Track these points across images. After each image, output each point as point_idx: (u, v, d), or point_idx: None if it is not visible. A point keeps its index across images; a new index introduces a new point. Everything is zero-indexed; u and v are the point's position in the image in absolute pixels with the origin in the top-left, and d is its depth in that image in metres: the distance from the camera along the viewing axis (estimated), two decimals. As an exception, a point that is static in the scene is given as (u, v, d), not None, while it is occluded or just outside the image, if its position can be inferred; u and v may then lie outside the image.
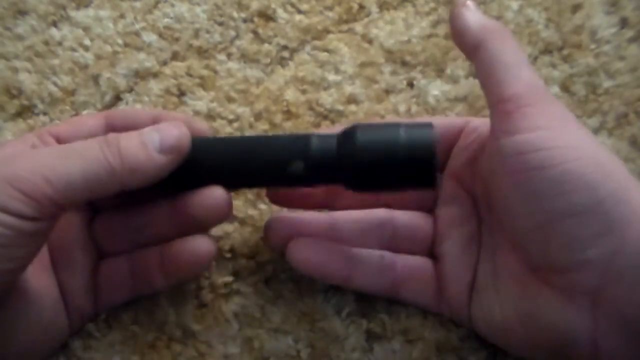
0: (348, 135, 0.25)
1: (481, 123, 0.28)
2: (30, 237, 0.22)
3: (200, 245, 0.26)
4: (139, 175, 0.24)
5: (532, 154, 0.23)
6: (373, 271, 0.27)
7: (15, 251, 0.22)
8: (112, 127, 0.28)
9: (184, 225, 0.27)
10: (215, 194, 0.26)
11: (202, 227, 0.27)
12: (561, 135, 0.23)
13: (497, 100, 0.24)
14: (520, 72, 0.24)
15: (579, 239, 0.22)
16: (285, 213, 0.30)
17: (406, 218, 0.29)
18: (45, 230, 0.23)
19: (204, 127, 0.28)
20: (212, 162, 0.26)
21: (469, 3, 0.26)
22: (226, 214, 0.26)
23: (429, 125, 0.25)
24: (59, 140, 0.27)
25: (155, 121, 0.27)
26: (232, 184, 0.27)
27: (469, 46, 0.26)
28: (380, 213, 0.29)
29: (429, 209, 0.29)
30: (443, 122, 0.28)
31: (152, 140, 0.24)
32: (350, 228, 0.28)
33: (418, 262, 0.28)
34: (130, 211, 0.28)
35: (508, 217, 0.25)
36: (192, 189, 0.26)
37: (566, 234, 0.22)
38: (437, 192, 0.29)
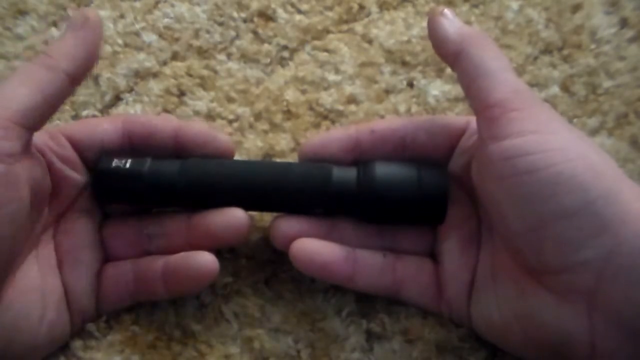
0: (366, 172, 0.27)
1: None
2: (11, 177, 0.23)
3: (204, 262, 0.26)
4: (76, 58, 0.25)
5: (521, 158, 0.23)
6: (374, 272, 0.27)
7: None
8: (130, 133, 0.28)
9: (197, 241, 0.27)
10: (236, 214, 0.27)
11: (215, 244, 0.27)
12: (549, 138, 0.23)
13: (482, 107, 0.24)
14: (504, 77, 0.24)
15: (572, 240, 0.22)
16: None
17: None
18: (22, 171, 0.23)
19: (225, 139, 0.28)
20: (232, 185, 0.27)
21: (446, 11, 0.26)
22: (243, 236, 0.27)
23: (444, 168, 0.27)
24: (72, 141, 0.27)
25: (176, 133, 0.28)
26: (248, 207, 0.27)
27: (450, 55, 0.26)
28: None
29: None
30: (445, 122, 0.28)
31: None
32: (352, 229, 0.28)
33: (418, 263, 0.28)
34: (146, 219, 0.28)
35: (501, 222, 0.25)
36: (209, 207, 0.27)
37: (559, 236, 0.22)
38: None
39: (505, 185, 0.23)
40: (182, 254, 0.27)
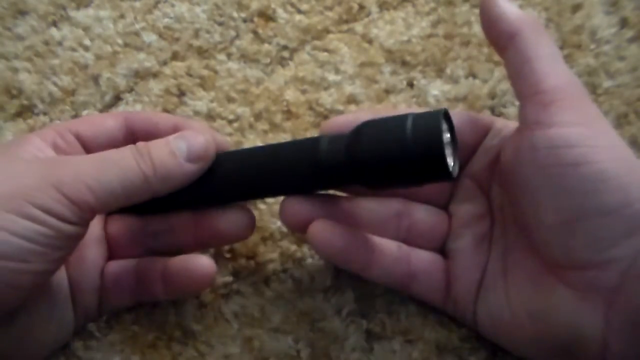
0: (355, 135, 0.25)
1: (504, 126, 0.28)
2: (68, 240, 0.23)
3: (200, 265, 0.26)
4: (170, 183, 0.25)
5: (568, 149, 0.23)
6: (390, 261, 0.27)
7: (54, 253, 0.23)
8: (132, 130, 0.28)
9: (205, 238, 0.27)
10: (243, 212, 0.27)
11: (222, 242, 0.27)
12: (597, 134, 0.23)
13: (532, 91, 0.24)
14: (558, 66, 0.24)
15: (604, 238, 0.22)
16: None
17: (422, 212, 0.28)
18: (80, 235, 0.24)
19: (224, 140, 0.28)
20: (225, 176, 0.27)
21: None
22: (249, 232, 0.27)
23: (439, 113, 0.23)
24: (80, 139, 0.27)
25: (175, 129, 0.28)
26: (246, 196, 0.27)
27: (504, 34, 0.25)
28: (396, 204, 0.28)
29: (443, 204, 0.29)
30: (472, 118, 0.28)
31: (180, 149, 0.25)
32: (370, 216, 0.28)
33: (430, 258, 0.28)
34: (150, 216, 0.28)
35: (534, 211, 0.24)
36: (209, 202, 0.27)
37: (593, 232, 0.22)
38: (453, 190, 0.29)
39: (546, 174, 0.23)
40: (182, 256, 0.27)
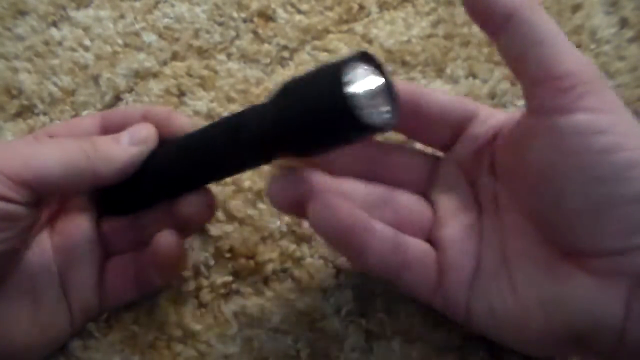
0: (275, 100, 0.23)
1: (490, 115, 0.27)
2: (7, 221, 0.23)
3: (163, 240, 0.26)
4: (113, 164, 0.25)
5: (596, 136, 0.22)
6: (388, 247, 0.25)
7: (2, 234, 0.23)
8: (107, 127, 0.28)
9: (178, 225, 0.27)
10: (199, 192, 0.27)
11: (189, 225, 0.27)
12: (622, 122, 0.22)
13: (547, 76, 0.23)
14: (570, 48, 0.23)
15: (635, 225, 0.22)
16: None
17: (405, 199, 0.27)
18: (22, 217, 0.24)
19: (183, 121, 0.28)
20: (169, 163, 0.26)
21: None
22: (210, 213, 0.28)
23: (344, 61, 0.21)
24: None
25: (144, 117, 0.28)
26: (188, 185, 0.27)
27: (500, 16, 0.23)
28: (380, 188, 0.27)
29: (421, 191, 0.28)
30: (458, 103, 0.27)
31: (122, 135, 0.26)
32: (361, 200, 0.26)
33: (424, 247, 0.27)
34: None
35: (555, 197, 0.23)
36: (166, 191, 0.27)
37: (623, 219, 0.22)
38: (432, 175, 0.28)
39: (573, 161, 0.22)
40: (154, 237, 0.27)
